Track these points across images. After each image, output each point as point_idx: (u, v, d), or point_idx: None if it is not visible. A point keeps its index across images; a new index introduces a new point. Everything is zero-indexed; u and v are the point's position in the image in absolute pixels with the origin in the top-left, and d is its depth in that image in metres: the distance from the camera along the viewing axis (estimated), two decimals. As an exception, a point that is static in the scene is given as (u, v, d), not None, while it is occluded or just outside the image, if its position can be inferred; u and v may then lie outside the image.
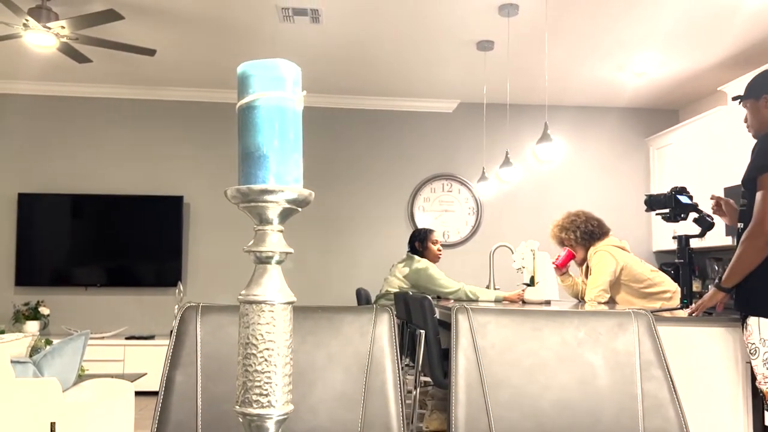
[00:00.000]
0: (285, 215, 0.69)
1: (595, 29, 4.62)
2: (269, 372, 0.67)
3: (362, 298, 4.72)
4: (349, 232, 6.30)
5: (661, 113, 6.61)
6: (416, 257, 4.28)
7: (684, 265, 2.83)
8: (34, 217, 5.93)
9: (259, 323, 0.67)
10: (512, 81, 5.72)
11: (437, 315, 3.16)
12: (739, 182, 2.52)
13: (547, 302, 3.66)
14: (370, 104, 6.38)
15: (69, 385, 2.94)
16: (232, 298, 5.95)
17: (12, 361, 2.70)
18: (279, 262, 0.69)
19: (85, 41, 4.24)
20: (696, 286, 5.72)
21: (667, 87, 5.91)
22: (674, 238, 2.92)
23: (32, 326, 5.73)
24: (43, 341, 3.41)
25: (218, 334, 1.19)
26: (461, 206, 6.42)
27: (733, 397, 2.56)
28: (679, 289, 3.47)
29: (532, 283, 3.67)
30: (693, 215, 2.91)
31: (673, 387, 1.22)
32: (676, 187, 2.97)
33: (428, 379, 3.32)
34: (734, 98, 2.57)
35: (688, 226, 2.97)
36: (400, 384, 1.19)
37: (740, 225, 2.44)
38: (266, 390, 0.67)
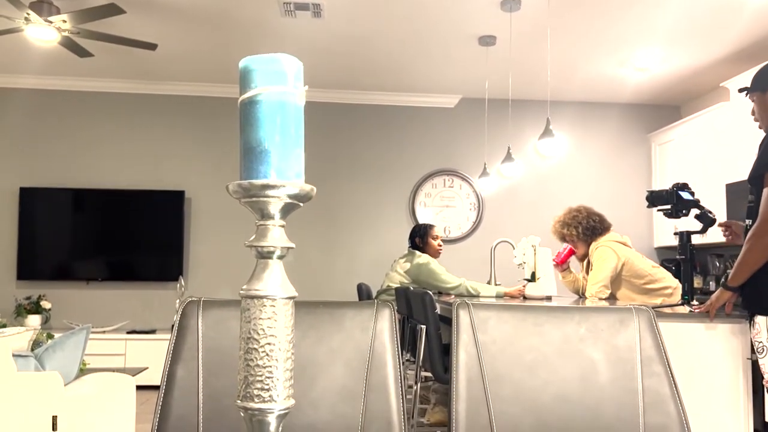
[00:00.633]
0: (286, 210, 0.69)
1: (598, 25, 4.61)
2: (270, 367, 0.67)
3: (363, 294, 4.73)
4: (350, 228, 6.30)
5: (663, 109, 6.60)
6: (417, 252, 4.28)
7: (685, 261, 2.83)
8: (36, 211, 5.94)
9: (260, 318, 0.67)
10: (514, 76, 5.71)
11: (438, 310, 3.16)
12: (741, 179, 2.52)
13: (548, 298, 3.67)
14: (371, 99, 6.37)
15: (70, 379, 2.95)
16: (233, 293, 5.96)
17: (14, 355, 2.71)
18: (280, 257, 0.69)
19: (87, 35, 4.23)
20: (697, 282, 5.72)
21: (669, 83, 5.90)
22: (675, 234, 2.92)
23: (34, 320, 5.74)
24: (44, 335, 3.42)
25: (219, 328, 1.19)
26: (462, 202, 6.42)
27: (734, 393, 2.56)
28: (680, 285, 3.46)
29: (533, 278, 3.67)
30: (694, 211, 2.90)
31: (674, 383, 1.22)
32: (678, 183, 2.96)
33: (429, 374, 3.33)
34: (740, 90, 2.55)
35: (689, 223, 2.97)
36: (401, 379, 1.20)
37: (748, 221, 2.41)
38: (267, 384, 0.67)
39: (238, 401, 0.68)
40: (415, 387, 3.36)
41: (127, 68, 5.76)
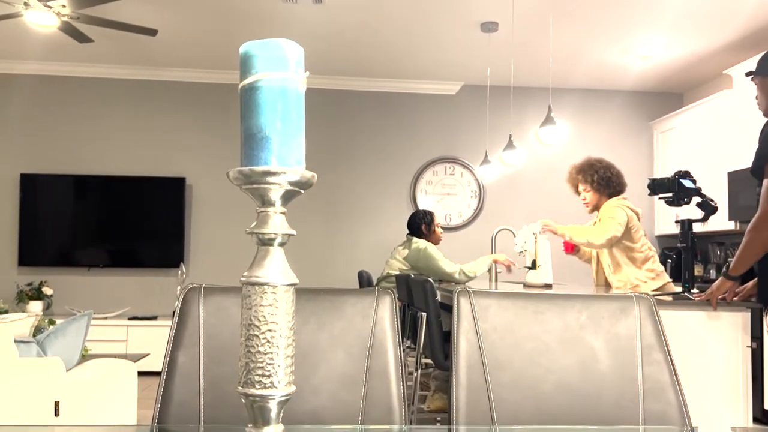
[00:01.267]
0: (287, 197, 0.68)
1: (601, 11, 4.58)
2: (271, 353, 0.67)
3: (364, 281, 4.74)
4: (351, 215, 6.30)
5: (665, 97, 6.57)
6: (414, 238, 4.30)
7: (686, 249, 2.83)
8: (37, 197, 5.94)
9: (261, 305, 0.67)
10: (516, 63, 5.68)
11: (439, 297, 3.17)
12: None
13: (548, 286, 3.66)
14: (372, 86, 6.34)
15: (72, 365, 2.96)
16: (234, 280, 5.97)
17: (16, 341, 2.72)
18: (281, 244, 0.69)
19: (87, 21, 4.21)
20: (698, 270, 5.72)
21: (672, 70, 5.87)
22: (677, 222, 2.91)
23: (35, 306, 5.76)
24: (46, 321, 3.43)
25: (221, 315, 1.19)
26: (463, 189, 6.41)
27: (734, 380, 2.57)
28: (664, 274, 3.45)
29: (533, 266, 3.67)
30: (696, 199, 2.90)
31: (674, 370, 1.23)
32: (680, 171, 2.95)
33: (429, 361, 3.34)
34: (747, 74, 2.54)
35: (690, 211, 2.97)
36: (401, 366, 1.20)
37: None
38: (268, 371, 0.67)
39: (239, 387, 0.68)
40: (415, 374, 3.38)
41: (127, 54, 5.73)
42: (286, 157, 0.67)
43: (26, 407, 2.65)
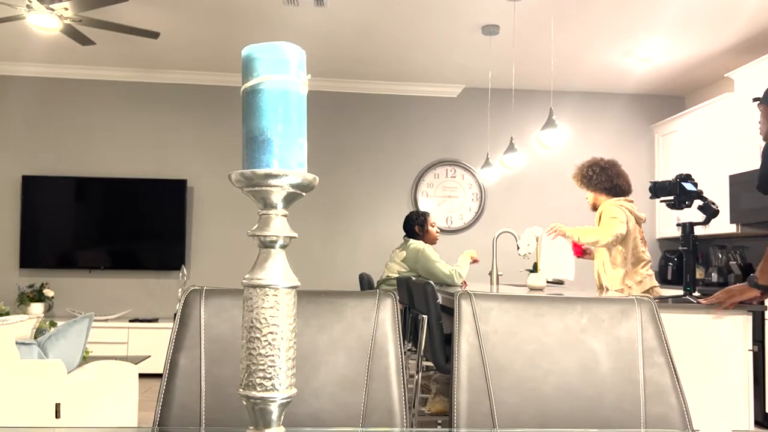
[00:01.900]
0: (289, 200, 0.69)
1: (602, 14, 4.58)
2: (273, 356, 0.67)
3: (365, 283, 4.74)
4: (352, 217, 6.30)
5: (666, 100, 6.57)
6: (411, 240, 4.31)
7: (688, 252, 2.83)
8: (38, 199, 5.95)
9: (263, 307, 0.67)
10: (517, 66, 5.69)
11: (440, 300, 3.17)
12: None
13: (560, 282, 3.69)
14: (374, 88, 6.35)
15: (73, 367, 2.96)
16: (235, 282, 5.97)
17: (17, 343, 2.72)
18: (283, 247, 0.69)
19: (89, 23, 4.22)
20: (699, 273, 5.71)
21: (674, 73, 5.87)
22: (678, 225, 2.91)
23: (37, 308, 5.76)
24: (47, 323, 3.43)
25: (222, 317, 1.19)
26: (465, 192, 6.41)
27: (735, 384, 2.57)
28: (652, 279, 3.50)
29: (535, 269, 3.67)
30: (697, 202, 2.90)
31: (675, 373, 1.22)
32: (681, 174, 2.95)
33: (430, 363, 3.34)
34: (754, 99, 2.64)
35: (692, 214, 2.97)
36: (402, 368, 1.20)
37: None
38: (270, 373, 0.67)
39: (241, 390, 0.68)
40: (416, 376, 3.37)
41: (129, 57, 5.74)
42: (287, 159, 0.67)
43: (27, 409, 2.65)
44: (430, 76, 6.10)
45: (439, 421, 3.79)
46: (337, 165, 6.31)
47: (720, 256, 5.60)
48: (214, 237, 6.17)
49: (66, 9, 4.01)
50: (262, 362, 0.67)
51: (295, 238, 0.70)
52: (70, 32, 4.36)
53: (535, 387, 1.20)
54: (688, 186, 2.90)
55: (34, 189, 5.95)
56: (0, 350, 2.61)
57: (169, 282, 6.11)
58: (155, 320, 5.84)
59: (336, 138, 6.32)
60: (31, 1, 3.90)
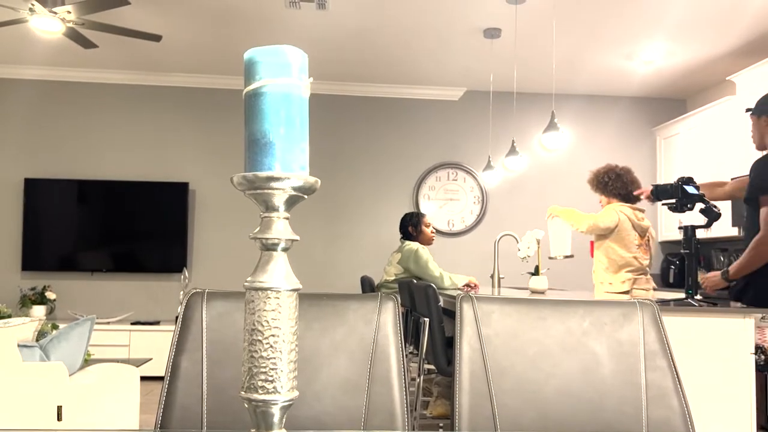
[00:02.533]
0: (291, 202, 0.69)
1: (604, 17, 4.58)
2: (275, 358, 0.67)
3: (367, 286, 4.73)
4: (354, 220, 6.30)
5: (668, 102, 6.57)
6: (407, 241, 4.32)
7: (689, 255, 2.83)
8: (41, 202, 5.95)
9: (264, 310, 0.68)
10: (519, 69, 5.69)
11: (441, 303, 3.17)
12: (746, 173, 2.63)
13: (570, 256, 3.80)
14: (375, 92, 6.36)
15: (75, 370, 2.96)
16: (237, 285, 5.97)
17: (19, 345, 2.72)
18: (285, 249, 0.69)
19: (91, 26, 4.23)
20: (701, 276, 5.70)
21: (675, 76, 5.87)
22: (680, 228, 2.91)
23: (39, 311, 5.77)
24: (49, 326, 3.43)
25: (224, 320, 1.19)
26: (466, 195, 6.41)
27: (738, 388, 2.56)
28: (636, 284, 3.58)
29: (536, 272, 3.66)
30: (699, 206, 2.89)
31: (678, 377, 1.22)
32: (683, 177, 2.95)
33: (432, 366, 3.34)
34: (747, 110, 2.79)
35: (694, 217, 2.97)
36: (404, 371, 1.20)
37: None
38: (271, 376, 0.67)
39: (242, 392, 0.68)
40: (417, 380, 3.37)
41: (131, 60, 5.76)
42: (289, 162, 0.67)
43: (29, 412, 2.65)
44: (431, 79, 6.10)
45: (441, 425, 3.79)
46: (339, 168, 6.31)
47: (722, 258, 5.59)
48: (215, 240, 6.18)
49: (69, 12, 4.02)
50: (263, 365, 0.67)
51: (297, 240, 0.70)
52: (73, 35, 4.37)
53: (537, 390, 1.20)
54: (690, 189, 2.90)
55: (36, 191, 5.96)
56: (2, 353, 2.61)
57: (171, 285, 6.11)
58: (157, 323, 5.84)
59: (338, 141, 6.33)
60: (33, 5, 3.91)
